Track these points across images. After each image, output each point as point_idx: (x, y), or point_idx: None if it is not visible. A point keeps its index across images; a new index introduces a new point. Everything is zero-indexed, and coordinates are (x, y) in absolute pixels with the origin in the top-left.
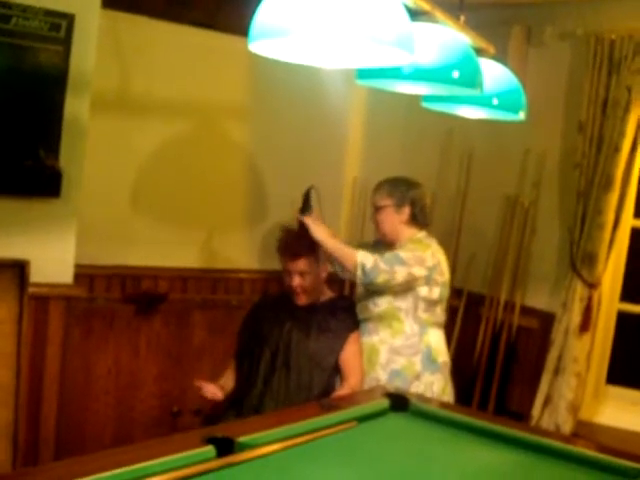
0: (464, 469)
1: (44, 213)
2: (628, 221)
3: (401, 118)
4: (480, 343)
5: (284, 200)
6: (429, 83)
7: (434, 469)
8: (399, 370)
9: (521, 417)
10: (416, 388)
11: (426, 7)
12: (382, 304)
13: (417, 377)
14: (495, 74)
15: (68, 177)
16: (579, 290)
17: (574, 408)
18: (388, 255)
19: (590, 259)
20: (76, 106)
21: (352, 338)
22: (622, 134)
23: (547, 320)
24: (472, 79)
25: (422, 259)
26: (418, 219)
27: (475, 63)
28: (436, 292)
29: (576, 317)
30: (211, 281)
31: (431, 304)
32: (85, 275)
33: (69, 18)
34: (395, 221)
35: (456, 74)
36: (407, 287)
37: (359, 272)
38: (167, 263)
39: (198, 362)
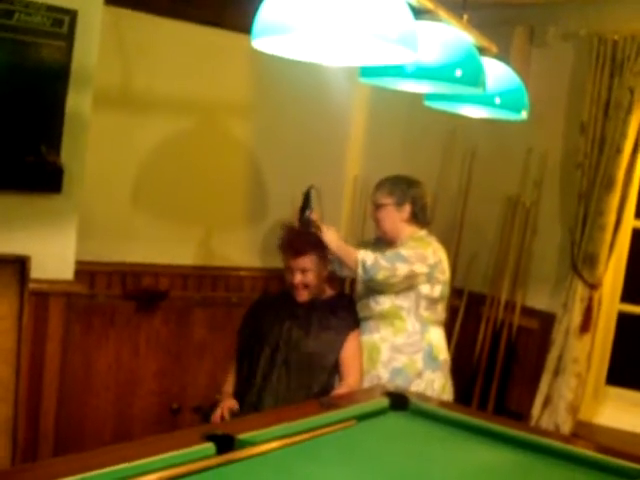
0: (463, 468)
1: (45, 209)
2: (629, 222)
3: (403, 117)
4: (480, 343)
5: (285, 198)
6: (432, 81)
7: (433, 468)
8: (401, 368)
9: (521, 417)
10: (417, 386)
11: (429, 6)
12: (384, 302)
13: (418, 375)
14: (498, 73)
15: (69, 173)
16: (580, 291)
17: (574, 408)
18: (389, 253)
19: (591, 260)
20: (78, 102)
21: (352, 336)
22: (624, 135)
23: (547, 320)
24: (475, 78)
25: (424, 256)
26: (419, 217)
27: (478, 62)
28: (437, 290)
29: (576, 317)
30: (211, 279)
31: (432, 302)
32: (86, 271)
33: (72, 14)
34: (396, 219)
35: (459, 73)
36: (408, 285)
37: (360, 269)
38: (168, 260)
39: (198, 359)
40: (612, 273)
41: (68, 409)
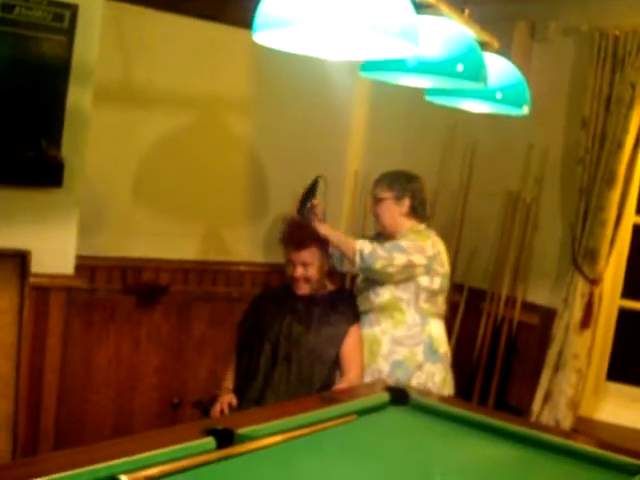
0: (464, 463)
1: (46, 203)
2: (630, 218)
3: (404, 111)
4: (481, 338)
5: (286, 193)
6: (433, 76)
7: (434, 463)
8: (401, 361)
9: (521, 412)
10: (418, 378)
11: (431, 0)
12: (384, 294)
13: (419, 367)
14: (499, 68)
15: (70, 168)
16: (580, 286)
17: (574, 404)
18: (388, 244)
19: (592, 255)
20: (79, 97)
21: (352, 331)
22: (625, 130)
23: (548, 316)
24: (476, 72)
25: (422, 248)
26: (418, 212)
27: (479, 57)
28: (437, 282)
29: (577, 313)
30: (212, 273)
31: (432, 294)
32: (86, 266)
33: (72, 8)
34: (395, 213)
35: (460, 67)
36: (407, 276)
37: (357, 258)
38: (168, 255)
39: (198, 354)
40: (613, 269)
41: (68, 404)
